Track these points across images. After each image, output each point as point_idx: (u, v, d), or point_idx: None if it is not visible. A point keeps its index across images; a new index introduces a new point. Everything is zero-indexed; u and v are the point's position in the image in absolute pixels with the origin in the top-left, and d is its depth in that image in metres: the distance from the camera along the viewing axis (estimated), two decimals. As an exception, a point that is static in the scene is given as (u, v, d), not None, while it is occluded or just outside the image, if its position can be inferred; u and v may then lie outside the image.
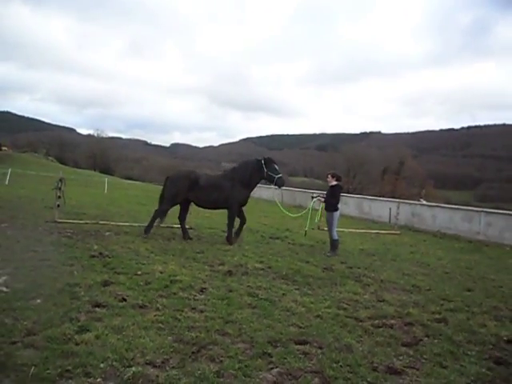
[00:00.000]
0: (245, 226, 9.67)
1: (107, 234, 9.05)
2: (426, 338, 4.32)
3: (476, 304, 5.81)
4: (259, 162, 9.34)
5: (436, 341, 4.28)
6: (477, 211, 14.83)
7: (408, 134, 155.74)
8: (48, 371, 2.97)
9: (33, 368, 2.98)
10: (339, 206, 9.35)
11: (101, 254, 6.88)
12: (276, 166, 9.39)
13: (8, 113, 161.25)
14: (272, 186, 10.15)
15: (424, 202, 19.50)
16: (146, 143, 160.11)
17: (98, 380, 2.94)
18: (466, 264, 9.29)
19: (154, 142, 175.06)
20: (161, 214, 9.35)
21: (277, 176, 9.25)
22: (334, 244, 9.09)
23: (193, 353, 3.50)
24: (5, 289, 4.75)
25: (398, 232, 14.63)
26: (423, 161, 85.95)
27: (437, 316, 5.09)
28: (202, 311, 4.54)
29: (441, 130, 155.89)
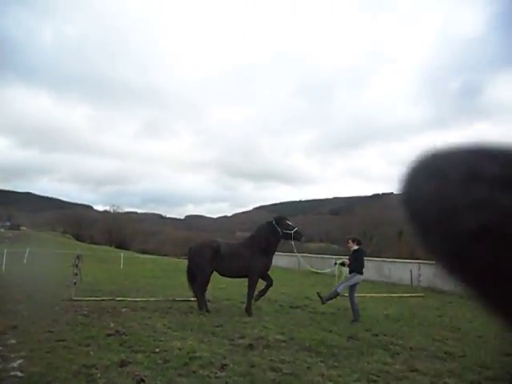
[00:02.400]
0: (271, 288, 9.39)
1: (124, 310, 8.88)
2: (467, 412, 3.98)
3: (517, 370, 5.41)
4: (271, 224, 9.25)
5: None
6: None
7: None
8: None
9: None
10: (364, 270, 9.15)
11: (117, 331, 6.70)
12: (289, 222, 9.27)
13: (29, 193, 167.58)
14: (292, 254, 10.04)
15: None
16: (161, 216, 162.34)
17: None
18: (499, 327, 8.77)
19: (169, 215, 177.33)
20: (201, 288, 9.13)
21: (293, 231, 9.11)
22: (331, 295, 8.95)
23: None
24: (19, 373, 4.61)
25: (422, 294, 14.08)
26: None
27: (476, 386, 4.73)
28: (223, 390, 4.30)
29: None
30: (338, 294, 8.97)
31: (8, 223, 62.65)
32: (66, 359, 5.13)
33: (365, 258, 9.30)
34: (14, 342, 5.96)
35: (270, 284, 9.26)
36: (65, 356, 5.28)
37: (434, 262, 0.34)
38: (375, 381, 4.81)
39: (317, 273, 12.14)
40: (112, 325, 7.26)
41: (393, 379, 4.89)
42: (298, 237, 9.19)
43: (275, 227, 9.15)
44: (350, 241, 9.40)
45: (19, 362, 5.02)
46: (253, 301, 9.05)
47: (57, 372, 4.63)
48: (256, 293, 9.08)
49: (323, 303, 9.12)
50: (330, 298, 9.03)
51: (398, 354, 6.10)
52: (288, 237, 9.16)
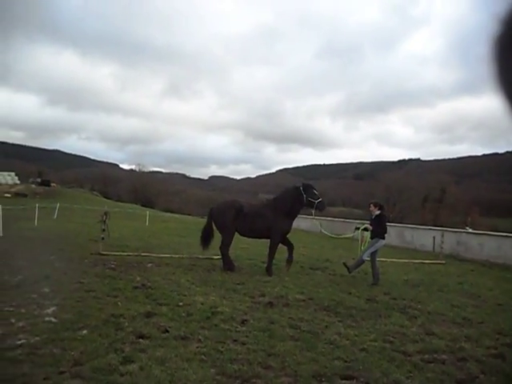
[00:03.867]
0: (294, 250, 9.61)
1: (149, 265, 9.22)
2: (482, 375, 4.05)
3: (535, 338, 5.41)
4: (298, 189, 9.33)
5: (493, 378, 4.00)
6: (529, 239, 14.02)
7: (449, 160, 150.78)
8: (95, 402, 3.01)
9: (80, 398, 3.02)
10: (386, 235, 9.13)
11: (143, 285, 7.01)
12: (315, 191, 9.37)
13: (57, 151, 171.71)
14: (312, 217, 10.11)
15: (470, 230, 18.67)
16: (185, 176, 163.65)
17: (143, 412, 2.93)
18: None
19: (192, 176, 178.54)
20: (226, 248, 9.32)
21: (317, 201, 9.21)
22: (358, 263, 9.04)
23: (236, 386, 3.45)
24: (53, 319, 4.92)
25: (443, 261, 14.00)
26: (466, 187, 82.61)
27: (492, 351, 4.77)
28: (243, 343, 4.49)
29: (483, 155, 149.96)
30: (364, 262, 9.01)
31: (38, 179, 64.48)
32: (95, 308, 5.43)
33: (387, 224, 9.26)
34: (47, 290, 6.32)
35: (291, 247, 9.45)
36: (94, 305, 5.58)
37: None
38: (391, 341, 4.91)
39: (338, 238, 12.20)
40: (138, 278, 7.58)
41: (409, 341, 4.98)
42: (320, 207, 9.30)
43: (301, 193, 9.24)
44: (372, 205, 9.33)
45: (53, 309, 5.35)
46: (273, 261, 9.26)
47: (87, 319, 4.92)
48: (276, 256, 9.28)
49: (350, 272, 9.16)
50: (357, 267, 9.09)
51: (415, 317, 6.17)
52: (311, 205, 9.28)
